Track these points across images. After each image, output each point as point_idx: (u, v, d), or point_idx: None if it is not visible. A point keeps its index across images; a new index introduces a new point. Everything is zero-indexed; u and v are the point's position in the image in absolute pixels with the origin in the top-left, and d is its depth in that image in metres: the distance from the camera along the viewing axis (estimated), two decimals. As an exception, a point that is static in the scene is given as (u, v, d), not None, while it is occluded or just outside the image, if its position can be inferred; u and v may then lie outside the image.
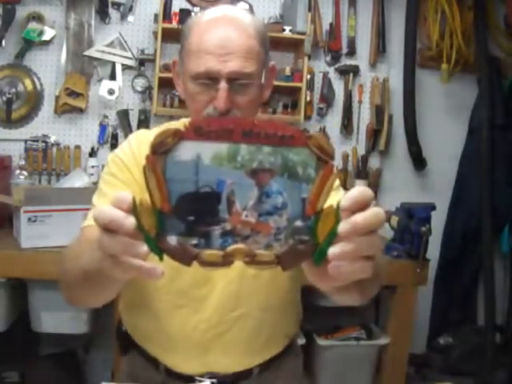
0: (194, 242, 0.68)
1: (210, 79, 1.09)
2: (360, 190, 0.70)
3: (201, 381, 1.21)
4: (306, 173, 0.69)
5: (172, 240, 0.68)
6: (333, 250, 0.68)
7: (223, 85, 1.08)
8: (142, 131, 1.33)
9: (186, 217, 0.68)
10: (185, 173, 0.67)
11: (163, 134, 0.67)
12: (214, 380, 1.21)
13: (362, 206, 0.69)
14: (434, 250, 2.76)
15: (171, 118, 2.75)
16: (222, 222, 0.68)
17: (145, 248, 0.67)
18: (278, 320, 1.26)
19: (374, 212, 0.69)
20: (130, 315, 1.30)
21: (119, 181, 1.18)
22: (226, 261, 0.68)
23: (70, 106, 2.72)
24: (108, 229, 0.67)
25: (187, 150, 0.67)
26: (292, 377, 1.34)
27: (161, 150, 0.67)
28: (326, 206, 0.70)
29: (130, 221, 0.66)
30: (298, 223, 0.69)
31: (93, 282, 0.84)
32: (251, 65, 1.10)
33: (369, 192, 0.70)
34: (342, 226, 0.68)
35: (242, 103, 1.11)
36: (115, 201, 0.68)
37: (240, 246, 0.68)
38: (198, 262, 0.68)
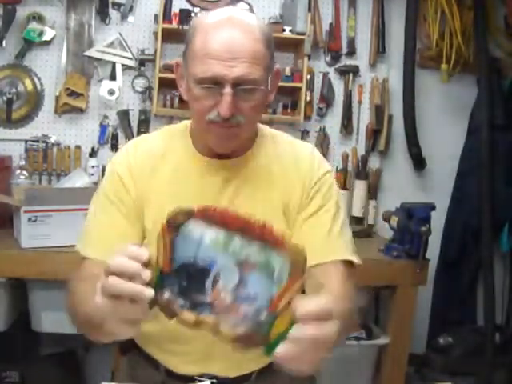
0: (181, 302, 0.81)
1: (215, 84, 1.07)
2: (319, 304, 0.78)
3: (201, 381, 1.21)
4: (279, 276, 0.80)
5: (165, 295, 0.81)
6: (279, 350, 0.77)
7: (228, 90, 1.06)
8: (141, 139, 1.30)
9: (180, 281, 0.82)
10: (188, 246, 0.82)
11: (178, 211, 0.82)
12: (214, 380, 1.22)
13: (316, 319, 0.76)
14: (433, 250, 2.76)
15: (171, 118, 2.76)
16: (206, 294, 0.82)
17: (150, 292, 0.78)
18: None
19: (326, 329, 0.77)
20: None
21: (113, 205, 1.19)
22: (196, 326, 0.81)
23: (71, 106, 2.72)
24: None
25: (194, 229, 0.82)
26: (292, 378, 1.34)
27: (174, 224, 0.82)
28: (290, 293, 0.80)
29: (147, 274, 0.79)
30: (262, 316, 0.80)
31: (99, 329, 0.88)
32: (257, 70, 1.08)
33: (327, 308, 0.78)
34: (294, 333, 0.76)
35: (246, 109, 1.10)
36: (131, 254, 0.80)
37: (210, 318, 0.81)
38: (176, 319, 0.82)
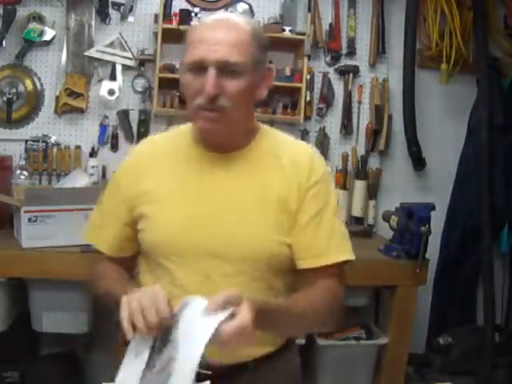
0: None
1: (202, 68, 1.15)
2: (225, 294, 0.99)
3: (199, 374, 1.22)
4: None
5: None
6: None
7: (211, 71, 1.14)
8: (149, 139, 1.41)
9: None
10: None
11: None
12: (210, 372, 1.22)
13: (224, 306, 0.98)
14: (433, 250, 2.76)
15: (171, 118, 2.76)
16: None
17: None
18: None
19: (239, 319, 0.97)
20: None
21: (118, 191, 1.32)
22: None
23: (71, 106, 2.73)
24: None
25: None
26: (290, 376, 1.35)
27: None
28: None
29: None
30: None
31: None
32: (239, 55, 1.15)
33: (232, 295, 0.99)
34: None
35: (229, 90, 1.15)
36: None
37: None
38: None
